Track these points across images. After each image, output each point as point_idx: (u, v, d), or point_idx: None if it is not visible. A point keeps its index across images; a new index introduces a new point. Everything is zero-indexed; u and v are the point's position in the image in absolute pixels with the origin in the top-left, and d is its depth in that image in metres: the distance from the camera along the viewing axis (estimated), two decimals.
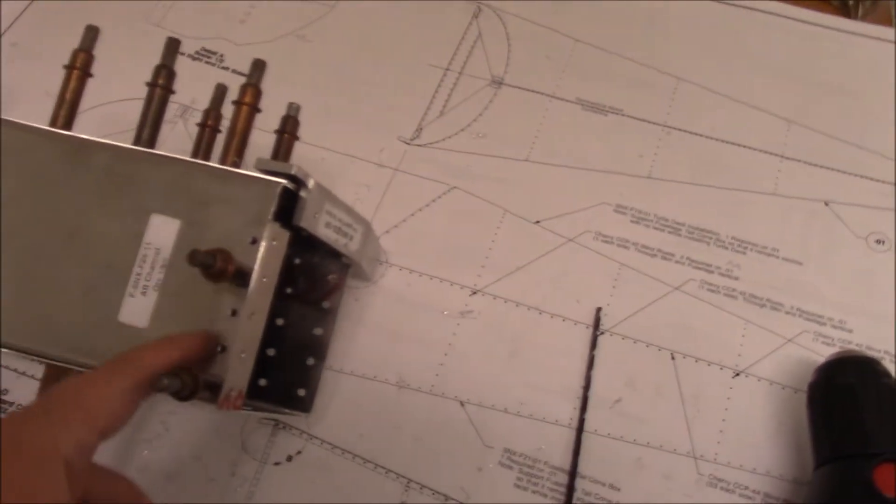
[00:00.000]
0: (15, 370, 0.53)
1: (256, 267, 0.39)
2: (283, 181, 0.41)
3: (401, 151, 0.60)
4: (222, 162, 0.44)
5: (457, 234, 0.57)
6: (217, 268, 0.37)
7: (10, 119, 0.43)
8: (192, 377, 0.37)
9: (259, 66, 0.46)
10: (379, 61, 0.64)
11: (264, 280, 0.40)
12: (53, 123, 0.44)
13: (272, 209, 0.41)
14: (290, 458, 0.50)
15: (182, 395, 0.36)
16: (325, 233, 0.44)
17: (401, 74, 0.64)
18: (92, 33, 0.45)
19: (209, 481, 0.49)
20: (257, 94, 0.45)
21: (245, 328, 0.39)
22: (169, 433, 0.50)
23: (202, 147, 0.47)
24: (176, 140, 0.59)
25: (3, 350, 0.41)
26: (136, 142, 0.44)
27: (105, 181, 0.42)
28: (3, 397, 0.52)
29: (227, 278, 0.38)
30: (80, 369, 0.41)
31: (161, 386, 0.35)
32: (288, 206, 0.42)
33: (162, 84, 0.44)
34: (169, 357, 0.36)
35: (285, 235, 0.41)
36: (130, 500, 0.38)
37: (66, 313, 0.41)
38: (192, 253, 0.36)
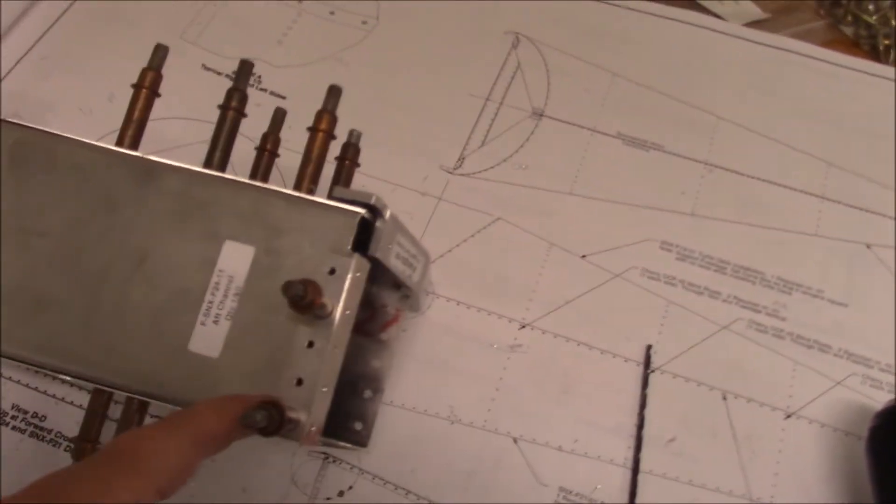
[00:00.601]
0: (53, 395, 0.50)
1: (342, 299, 0.38)
2: (362, 211, 0.40)
3: (444, 180, 0.60)
4: (297, 189, 0.43)
5: (503, 266, 0.56)
6: (307, 300, 0.36)
7: (78, 138, 0.42)
8: (280, 412, 0.35)
9: (335, 93, 0.45)
10: (417, 88, 0.64)
11: (347, 313, 0.39)
12: (120, 143, 0.43)
13: (351, 239, 0.40)
14: (341, 493, 0.48)
15: (269, 431, 0.35)
16: (394, 264, 0.43)
17: (440, 102, 0.63)
18: (161, 52, 0.44)
19: None
20: (333, 120, 0.45)
21: (328, 362, 0.38)
22: (214, 464, 0.49)
23: (260, 172, 0.46)
24: None
25: (69, 379, 0.40)
26: (207, 165, 0.43)
27: (176, 205, 0.41)
28: (43, 424, 0.50)
29: (312, 311, 0.37)
30: (149, 399, 0.40)
31: (252, 421, 0.34)
32: (362, 236, 0.41)
33: (235, 107, 0.43)
34: (231, 419, 0.34)
35: (367, 267, 0.40)
36: None
37: (135, 341, 0.40)
38: (287, 284, 0.35)
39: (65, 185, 0.41)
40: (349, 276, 0.38)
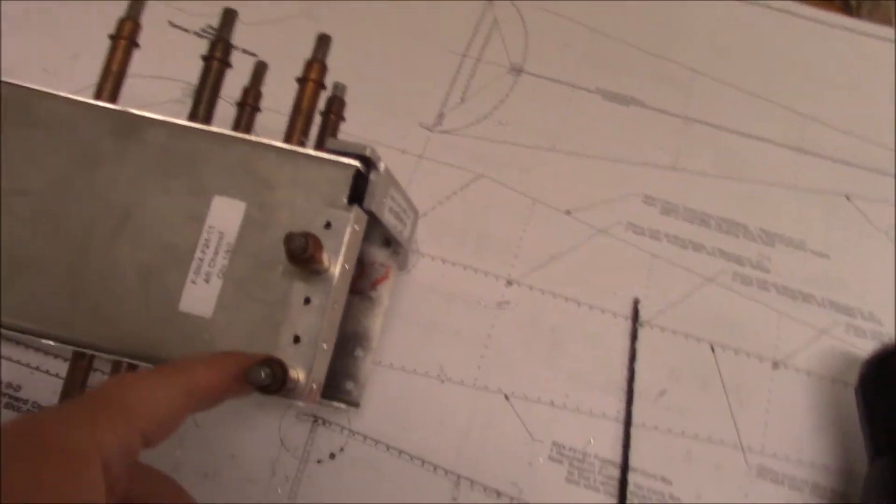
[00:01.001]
0: (28, 365, 0.49)
1: (341, 253, 0.37)
2: (356, 163, 0.39)
3: (423, 138, 0.58)
4: (287, 142, 0.42)
5: (487, 223, 0.55)
6: (309, 253, 0.35)
7: (53, 91, 0.40)
8: (283, 370, 0.34)
9: (324, 41, 0.44)
10: (393, 45, 0.62)
11: (346, 267, 0.38)
12: (98, 97, 0.41)
13: (347, 192, 0.39)
14: (332, 456, 0.47)
15: (271, 389, 0.34)
16: (387, 218, 0.42)
17: (417, 59, 0.62)
18: (139, 3, 0.42)
19: (248, 482, 0.46)
20: (323, 70, 0.43)
21: (328, 318, 0.37)
22: (200, 430, 0.47)
23: (241, 127, 0.44)
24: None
25: (53, 343, 0.38)
26: (192, 118, 0.41)
27: (161, 160, 0.39)
28: (18, 394, 0.48)
29: (312, 266, 0.36)
30: (139, 363, 0.38)
31: (256, 379, 0.33)
32: (356, 189, 0.40)
33: (219, 58, 0.42)
34: (226, 374, 0.33)
35: (364, 220, 0.39)
36: (173, 499, 0.35)
37: (122, 303, 0.38)
38: (290, 236, 0.34)
39: (43, 142, 0.39)
40: (348, 229, 0.37)
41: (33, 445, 0.26)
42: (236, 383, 0.33)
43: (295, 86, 0.44)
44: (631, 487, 0.47)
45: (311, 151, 0.40)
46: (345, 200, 0.38)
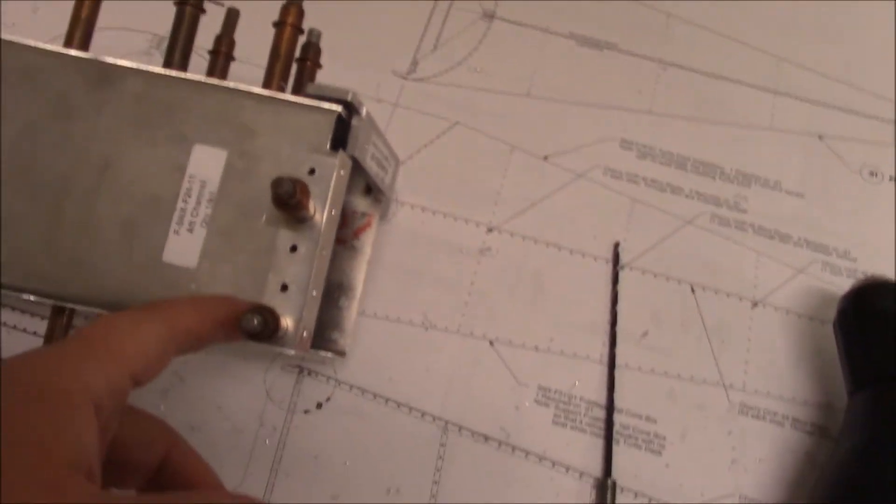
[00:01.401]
0: (4, 324, 0.48)
1: (328, 198, 0.37)
2: (338, 108, 0.39)
3: (398, 86, 0.58)
4: (266, 88, 0.41)
5: (466, 170, 0.55)
6: (296, 199, 0.34)
7: (22, 40, 0.39)
8: (274, 317, 0.34)
9: None
10: None
11: (333, 213, 0.37)
12: (68, 45, 0.40)
13: (329, 138, 0.38)
14: (319, 406, 0.47)
15: (263, 336, 0.34)
16: (370, 165, 0.42)
17: (388, 6, 0.61)
18: None
19: (235, 432, 0.46)
20: (300, 13, 0.42)
21: (318, 265, 0.37)
22: (184, 384, 0.47)
23: (216, 76, 0.43)
24: None
25: (33, 298, 0.37)
26: (167, 65, 0.40)
27: (138, 109, 0.38)
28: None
29: (299, 212, 0.36)
30: None
31: (249, 325, 0.33)
32: (338, 134, 0.39)
33: (192, 2, 0.40)
34: (213, 317, 0.33)
35: (349, 165, 0.38)
36: (165, 442, 0.34)
37: (104, 255, 0.37)
38: (278, 180, 0.33)
39: (14, 93, 0.38)
40: (335, 174, 0.37)
41: (22, 388, 0.25)
42: (224, 328, 0.33)
43: (268, 36, 0.43)
44: (617, 427, 0.48)
45: (292, 97, 0.39)
46: (328, 146, 0.38)
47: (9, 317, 0.48)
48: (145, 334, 0.30)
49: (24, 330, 0.48)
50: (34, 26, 0.56)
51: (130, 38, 0.56)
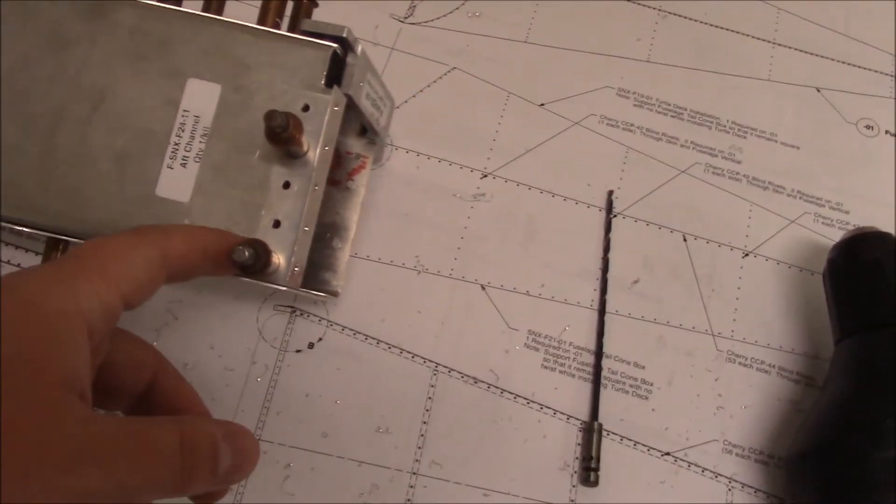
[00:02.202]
0: (8, 262, 0.48)
1: (322, 134, 0.37)
2: (334, 45, 0.38)
3: (395, 29, 0.57)
4: (261, 24, 0.40)
5: (461, 116, 0.55)
6: (289, 133, 0.34)
7: None
8: (266, 251, 0.34)
9: None
10: None
11: (326, 149, 0.37)
12: None
13: (324, 74, 0.38)
14: (311, 346, 0.48)
15: (255, 269, 0.34)
16: (364, 104, 0.42)
17: None
18: None
19: (228, 370, 0.47)
20: None
21: (310, 201, 0.37)
22: (178, 322, 0.47)
23: (212, 12, 0.43)
24: None
25: (27, 230, 0.37)
26: None
27: (133, 43, 0.38)
28: None
29: (291, 146, 0.36)
30: None
31: (241, 257, 0.33)
32: (333, 72, 0.39)
33: None
34: (201, 245, 0.33)
35: (343, 101, 0.38)
36: (152, 366, 0.35)
37: (97, 188, 0.38)
38: (270, 113, 0.33)
39: (8, 25, 0.38)
40: (328, 110, 0.37)
41: (17, 307, 0.25)
42: (214, 259, 0.33)
43: None
44: (605, 372, 0.48)
45: (288, 33, 0.39)
46: (322, 83, 0.38)
47: (3, 252, 0.48)
48: (138, 257, 0.30)
49: (19, 265, 0.48)
50: None
51: None
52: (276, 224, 0.37)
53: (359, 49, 0.39)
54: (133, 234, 0.31)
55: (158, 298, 0.45)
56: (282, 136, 0.34)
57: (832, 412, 0.43)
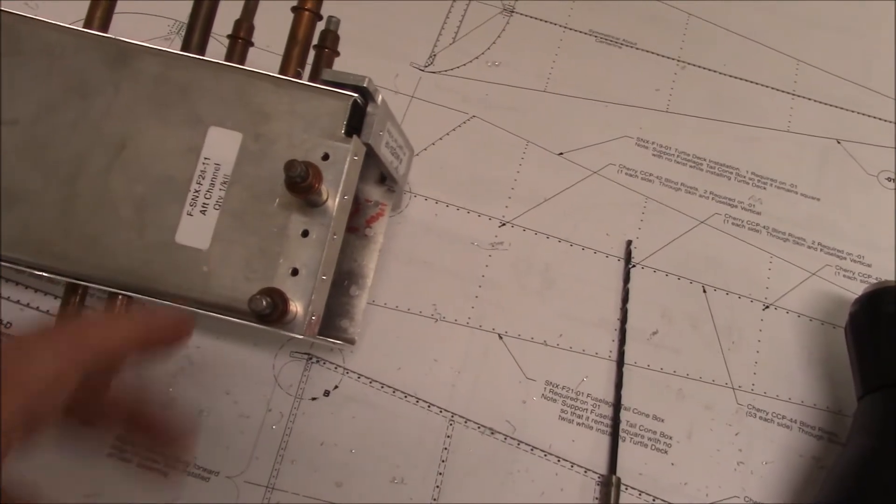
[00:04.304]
0: (18, 301, 0.48)
1: (341, 183, 0.37)
2: (354, 94, 0.39)
3: (415, 78, 0.58)
4: (283, 73, 0.41)
5: (480, 164, 0.55)
6: (308, 182, 0.34)
7: (43, 19, 0.39)
8: (283, 300, 0.34)
9: None
10: None
11: (346, 198, 0.37)
12: (89, 25, 0.40)
13: (344, 123, 0.38)
14: (327, 393, 0.47)
15: (271, 318, 0.34)
16: (384, 152, 0.42)
17: None
18: None
19: (243, 417, 0.46)
20: None
21: (328, 250, 0.37)
22: (194, 367, 0.47)
23: (234, 60, 0.43)
24: None
25: (46, 274, 0.37)
26: (186, 48, 0.40)
27: (156, 90, 0.39)
28: (8, 331, 0.47)
29: (310, 195, 0.36)
30: (135, 295, 0.38)
31: (257, 307, 0.33)
32: (353, 121, 0.39)
33: None
34: (124, 339, 0.30)
35: (363, 151, 0.38)
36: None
37: (117, 234, 0.38)
38: (290, 163, 0.33)
39: (34, 70, 0.38)
40: (348, 160, 0.37)
41: None
42: (141, 343, 0.30)
43: (289, 24, 0.43)
44: (623, 425, 0.48)
45: (309, 82, 0.39)
46: (342, 132, 0.38)
47: (23, 295, 0.48)
48: (44, 369, 0.27)
49: (38, 308, 0.48)
50: (58, 5, 0.57)
51: (153, 23, 0.57)
52: (295, 272, 0.37)
53: (379, 98, 0.39)
54: (43, 343, 0.28)
55: None
56: (301, 185, 0.34)
57: (852, 471, 0.42)
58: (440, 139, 0.55)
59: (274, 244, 0.37)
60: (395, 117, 0.43)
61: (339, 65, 0.47)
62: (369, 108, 0.39)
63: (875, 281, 0.52)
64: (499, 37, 0.60)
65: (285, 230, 0.37)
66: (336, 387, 0.48)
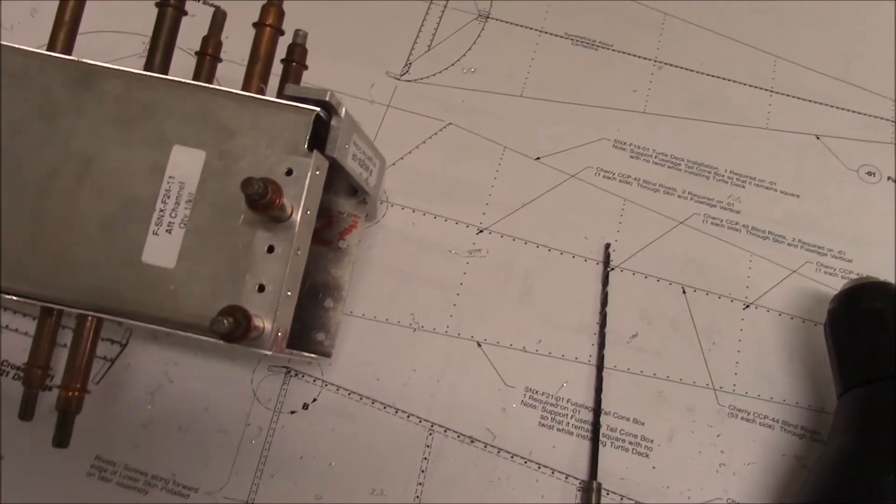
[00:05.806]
0: (6, 327, 0.48)
1: (302, 199, 0.37)
2: (316, 108, 0.39)
3: (391, 87, 0.58)
4: (245, 89, 0.41)
5: (457, 171, 0.55)
6: (268, 199, 0.34)
7: (6, 43, 0.39)
8: (246, 317, 0.34)
9: None
10: None
11: (308, 213, 0.37)
12: (52, 48, 0.40)
13: (307, 138, 0.38)
14: (305, 407, 0.47)
15: (235, 336, 0.34)
16: (351, 165, 0.42)
17: (382, 7, 0.61)
18: None
19: (222, 433, 0.46)
20: (280, 14, 0.42)
21: (292, 265, 0.37)
22: (173, 384, 0.47)
23: (202, 78, 0.43)
24: None
25: (14, 298, 0.38)
26: (148, 67, 0.40)
27: (119, 111, 0.39)
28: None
29: (271, 211, 0.36)
30: (104, 316, 0.38)
31: (219, 327, 0.33)
32: (318, 135, 0.39)
33: (173, 3, 0.41)
34: None
35: (325, 165, 0.38)
36: None
37: (84, 255, 0.38)
38: (247, 181, 0.33)
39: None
40: (308, 175, 0.37)
41: None
42: None
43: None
44: (604, 430, 0.48)
45: (271, 98, 0.39)
46: (305, 147, 0.38)
47: (6, 318, 0.48)
48: None
49: (17, 330, 0.48)
50: (32, 28, 0.57)
51: (126, 41, 0.57)
52: (261, 288, 0.37)
53: (343, 111, 0.39)
54: None
55: (154, 360, 0.46)
56: (260, 202, 0.34)
57: (833, 469, 0.42)
58: (416, 148, 0.55)
59: (240, 261, 0.37)
60: (364, 129, 0.43)
61: (314, 76, 0.47)
62: (333, 122, 0.39)
63: (856, 276, 0.52)
64: (474, 43, 0.60)
65: (251, 246, 0.37)
66: (315, 399, 0.48)
